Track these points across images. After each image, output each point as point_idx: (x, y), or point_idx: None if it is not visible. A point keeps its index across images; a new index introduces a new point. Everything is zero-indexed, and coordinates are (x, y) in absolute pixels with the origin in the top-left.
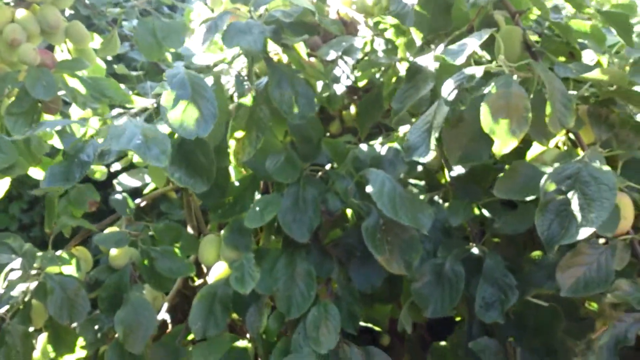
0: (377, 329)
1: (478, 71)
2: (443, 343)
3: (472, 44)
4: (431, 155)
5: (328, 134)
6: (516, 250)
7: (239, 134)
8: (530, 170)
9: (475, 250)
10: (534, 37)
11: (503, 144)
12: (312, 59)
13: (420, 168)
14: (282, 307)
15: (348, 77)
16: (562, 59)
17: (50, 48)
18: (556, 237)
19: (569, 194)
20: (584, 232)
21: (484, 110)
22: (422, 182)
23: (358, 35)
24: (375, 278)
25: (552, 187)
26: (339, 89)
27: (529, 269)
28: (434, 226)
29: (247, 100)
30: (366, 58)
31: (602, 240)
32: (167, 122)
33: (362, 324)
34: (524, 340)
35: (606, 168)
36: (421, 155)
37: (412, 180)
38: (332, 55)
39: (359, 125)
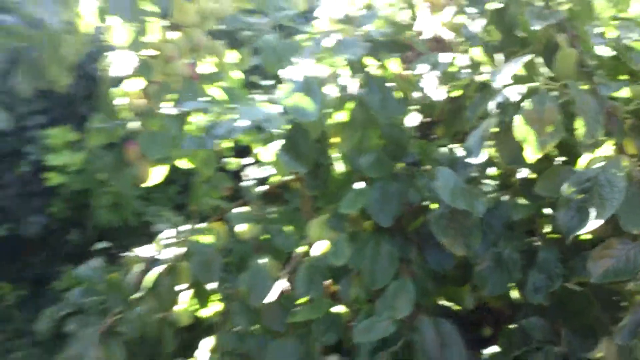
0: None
1: (520, 89)
2: (512, 326)
3: (514, 67)
4: (483, 157)
5: (434, 137)
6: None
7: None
8: (567, 173)
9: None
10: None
11: (533, 151)
12: (408, 72)
13: (495, 170)
14: (367, 280)
15: (436, 88)
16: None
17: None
18: (574, 229)
19: (588, 194)
20: (592, 224)
21: (519, 121)
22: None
23: (450, 52)
24: (447, 261)
25: (573, 187)
26: (440, 97)
27: (573, 260)
28: (499, 221)
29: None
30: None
31: None
32: (284, 106)
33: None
34: (568, 322)
35: (620, 174)
36: (475, 156)
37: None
38: (421, 69)
39: (444, 131)
